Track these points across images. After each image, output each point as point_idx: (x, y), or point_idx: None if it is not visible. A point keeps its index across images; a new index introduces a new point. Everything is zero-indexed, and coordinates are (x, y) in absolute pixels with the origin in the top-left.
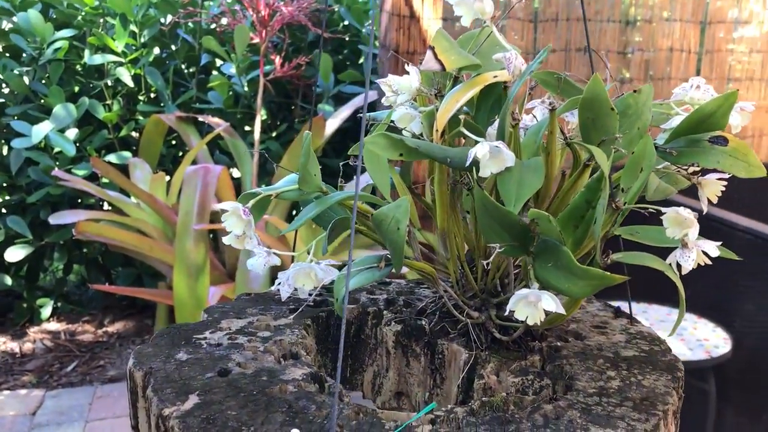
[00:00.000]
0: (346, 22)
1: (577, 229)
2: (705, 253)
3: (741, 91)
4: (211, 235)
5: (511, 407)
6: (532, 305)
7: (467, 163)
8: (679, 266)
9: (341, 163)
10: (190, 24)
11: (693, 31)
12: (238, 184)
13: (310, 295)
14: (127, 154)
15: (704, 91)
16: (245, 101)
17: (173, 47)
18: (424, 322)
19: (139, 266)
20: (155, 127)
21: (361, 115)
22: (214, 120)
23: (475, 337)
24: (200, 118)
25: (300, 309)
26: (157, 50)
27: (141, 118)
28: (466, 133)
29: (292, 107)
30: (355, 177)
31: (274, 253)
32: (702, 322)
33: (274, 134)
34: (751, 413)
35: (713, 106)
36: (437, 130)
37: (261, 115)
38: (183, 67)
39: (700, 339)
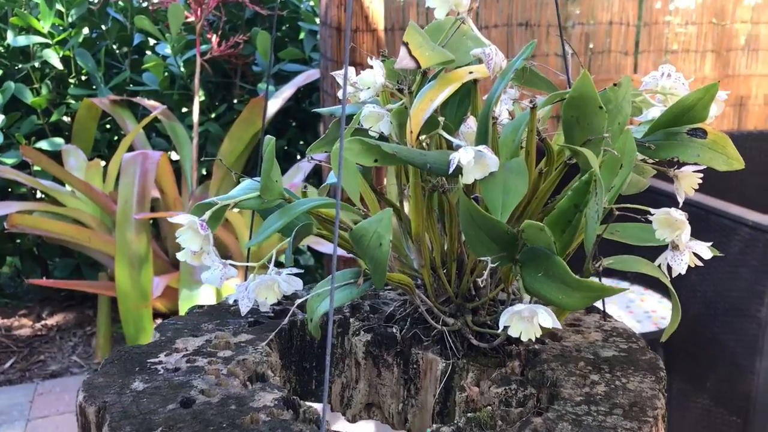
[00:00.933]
0: None
1: (563, 234)
2: (696, 255)
3: (677, 63)
4: (152, 222)
5: (499, 422)
6: (526, 320)
7: (450, 170)
8: (669, 268)
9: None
10: (120, 2)
11: (631, 3)
12: (177, 168)
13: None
14: (59, 140)
15: (675, 79)
16: (182, 82)
17: (103, 27)
18: (394, 330)
19: (77, 256)
20: (88, 111)
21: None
22: (150, 102)
23: (451, 345)
24: (135, 101)
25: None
26: (86, 30)
27: (72, 102)
28: (446, 136)
29: (231, 87)
30: (324, 181)
31: (231, 265)
32: (648, 294)
33: (213, 115)
34: (695, 380)
35: (693, 98)
36: (411, 132)
37: (199, 96)
38: (115, 47)
39: (647, 311)
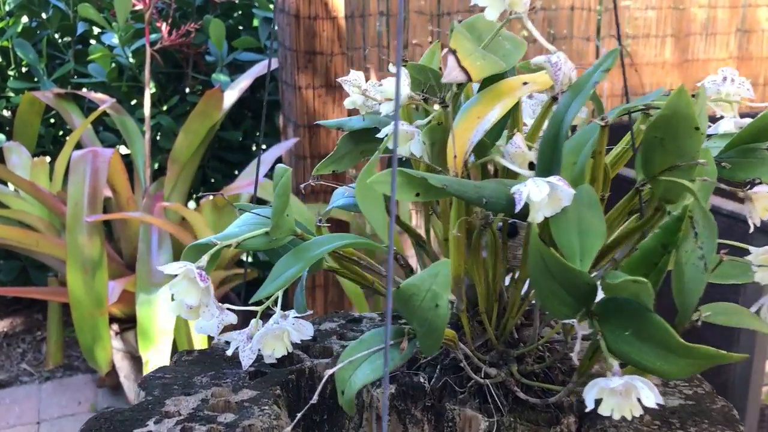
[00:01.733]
0: None
1: (647, 279)
2: None
3: (637, 48)
4: (104, 223)
5: None
6: (620, 395)
7: (517, 208)
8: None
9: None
10: None
11: None
12: (128, 163)
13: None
14: (0, 136)
15: (739, 84)
16: (130, 73)
17: (44, 16)
18: (422, 379)
19: (23, 259)
20: (30, 105)
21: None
22: (97, 95)
23: (495, 400)
24: (81, 94)
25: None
26: (25, 19)
27: (12, 95)
28: (509, 165)
29: (183, 78)
30: (329, 204)
31: (229, 309)
32: None
33: (165, 108)
34: None
35: None
36: (456, 157)
37: (150, 88)
38: (57, 37)
39: None
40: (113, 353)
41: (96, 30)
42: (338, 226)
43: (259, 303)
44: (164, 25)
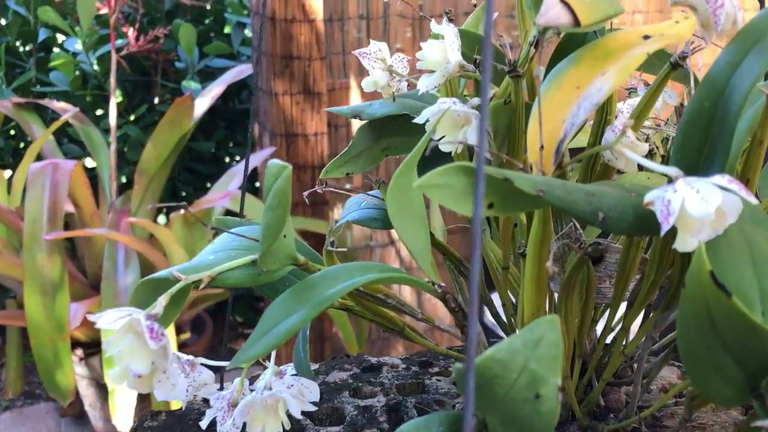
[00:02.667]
0: None
1: None
2: None
3: None
4: (67, 239)
5: None
6: None
7: (664, 228)
8: None
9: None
10: None
11: None
12: (93, 176)
13: None
14: None
15: None
16: (95, 82)
17: (3, 21)
18: None
19: None
20: None
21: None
22: (59, 105)
23: None
24: (43, 104)
25: None
26: None
27: None
28: (641, 161)
29: (152, 86)
30: (339, 219)
31: (203, 365)
32: None
33: (132, 118)
34: None
35: None
36: (543, 148)
37: (116, 97)
38: (17, 44)
39: None
40: (77, 380)
41: (60, 38)
42: (314, 238)
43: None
44: (131, 30)
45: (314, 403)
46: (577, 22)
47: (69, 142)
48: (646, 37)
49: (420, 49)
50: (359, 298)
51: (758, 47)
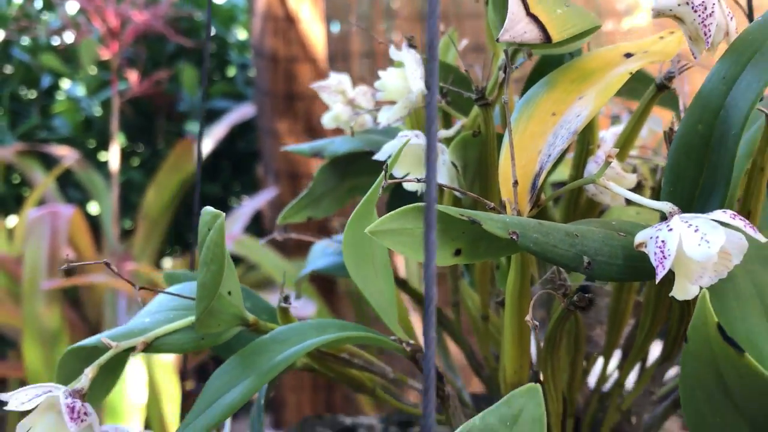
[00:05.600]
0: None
1: None
2: None
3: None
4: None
5: None
6: None
7: (660, 274)
8: None
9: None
10: (26, 41)
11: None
12: (96, 222)
13: None
14: None
15: None
16: (98, 126)
17: (7, 69)
18: None
19: None
20: None
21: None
22: (62, 151)
23: None
24: (43, 151)
25: None
26: None
27: None
28: (626, 194)
29: (155, 129)
30: (306, 266)
31: None
32: None
33: (135, 162)
34: None
35: None
36: (516, 184)
37: (118, 141)
38: (21, 91)
39: None
40: None
41: (63, 83)
42: (323, 284)
43: None
44: (134, 73)
45: None
46: (547, 38)
47: (71, 187)
48: (628, 55)
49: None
50: (321, 360)
51: (756, 60)
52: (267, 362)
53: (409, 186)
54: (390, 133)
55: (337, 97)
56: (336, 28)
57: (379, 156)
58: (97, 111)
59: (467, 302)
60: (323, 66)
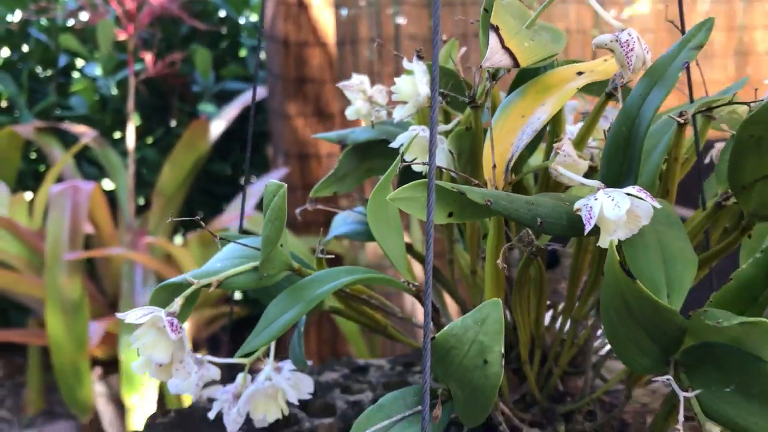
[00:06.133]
0: (222, 14)
1: (742, 316)
2: None
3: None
4: (86, 260)
5: None
6: None
7: (587, 229)
8: None
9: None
10: (43, 21)
11: (587, 11)
12: (111, 198)
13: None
14: None
15: None
16: (114, 105)
17: (25, 48)
18: None
19: (1, 300)
20: (10, 140)
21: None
22: (79, 128)
23: None
24: (63, 127)
25: None
26: (6, 52)
27: None
28: (572, 176)
29: (168, 109)
30: (330, 233)
31: (210, 363)
32: None
33: (150, 140)
34: None
35: None
36: (495, 167)
37: (134, 120)
38: (38, 70)
39: None
40: (96, 398)
41: (79, 62)
42: (330, 263)
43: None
44: (149, 55)
45: (308, 396)
46: (517, 64)
47: (87, 164)
48: (580, 73)
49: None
50: (347, 300)
51: (659, 84)
52: (310, 294)
53: (416, 167)
54: (402, 126)
55: (358, 94)
56: (345, 12)
57: (394, 144)
58: (113, 91)
59: (460, 261)
60: (332, 50)
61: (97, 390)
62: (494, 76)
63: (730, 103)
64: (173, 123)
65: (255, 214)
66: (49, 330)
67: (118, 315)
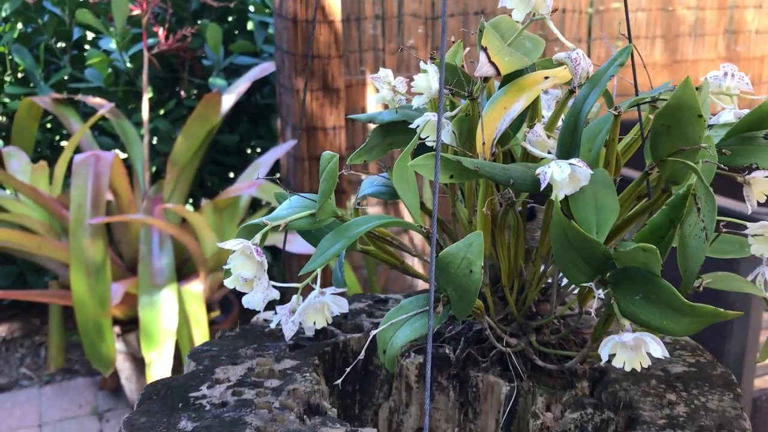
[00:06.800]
0: None
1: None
2: None
3: None
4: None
5: None
6: (631, 350)
7: (542, 187)
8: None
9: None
10: None
11: None
12: (127, 166)
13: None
14: None
15: (739, 79)
16: (127, 78)
17: (40, 21)
18: (447, 351)
19: (20, 263)
20: (28, 111)
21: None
22: (95, 100)
23: (515, 367)
24: (79, 99)
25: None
26: (20, 25)
27: (8, 101)
28: (533, 150)
29: (179, 82)
30: (358, 193)
31: (273, 286)
32: None
33: (162, 112)
34: None
35: None
36: (484, 143)
37: (147, 93)
38: (53, 43)
39: None
40: (115, 355)
41: (91, 35)
42: None
43: (298, 280)
44: (161, 29)
45: (346, 311)
46: (499, 73)
47: (102, 135)
48: (546, 78)
49: (432, 46)
50: (375, 240)
51: (596, 88)
52: (351, 232)
53: (428, 143)
54: (420, 111)
55: (384, 84)
56: None
57: (412, 126)
58: (127, 64)
59: (460, 214)
60: (338, 27)
61: (116, 348)
62: (486, 80)
63: (650, 102)
64: (184, 96)
65: (266, 183)
66: (74, 290)
67: (219, 244)
